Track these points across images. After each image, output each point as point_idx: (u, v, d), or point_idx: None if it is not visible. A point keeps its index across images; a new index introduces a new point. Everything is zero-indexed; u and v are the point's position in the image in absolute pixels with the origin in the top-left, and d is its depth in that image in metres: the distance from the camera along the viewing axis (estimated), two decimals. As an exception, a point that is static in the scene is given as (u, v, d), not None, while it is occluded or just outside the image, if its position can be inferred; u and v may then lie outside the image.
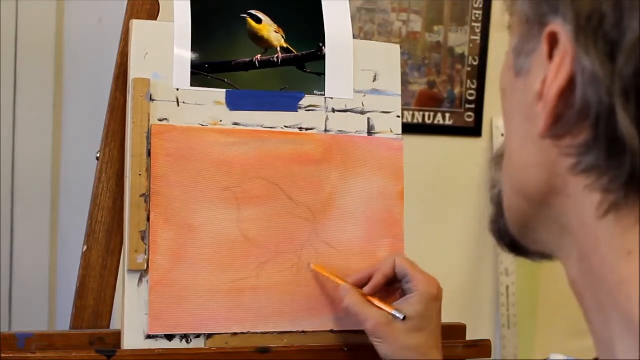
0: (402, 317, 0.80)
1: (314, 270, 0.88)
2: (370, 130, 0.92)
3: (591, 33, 0.41)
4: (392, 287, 0.87)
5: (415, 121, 1.69)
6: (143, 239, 0.82)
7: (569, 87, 0.43)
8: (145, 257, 0.82)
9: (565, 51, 0.43)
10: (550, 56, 0.44)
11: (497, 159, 0.52)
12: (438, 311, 0.83)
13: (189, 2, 0.88)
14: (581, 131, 0.43)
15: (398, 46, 0.97)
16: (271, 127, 0.89)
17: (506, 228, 0.52)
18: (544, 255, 0.52)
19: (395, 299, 0.85)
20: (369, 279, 0.86)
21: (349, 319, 0.88)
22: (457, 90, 1.71)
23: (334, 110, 0.91)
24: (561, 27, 0.43)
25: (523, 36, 0.47)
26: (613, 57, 0.40)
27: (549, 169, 0.46)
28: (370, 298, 0.84)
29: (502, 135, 1.74)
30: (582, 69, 0.42)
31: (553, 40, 0.44)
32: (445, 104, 1.71)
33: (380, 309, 0.82)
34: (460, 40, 1.70)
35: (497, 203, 0.53)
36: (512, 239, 0.53)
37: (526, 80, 0.47)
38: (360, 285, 0.86)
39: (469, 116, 1.73)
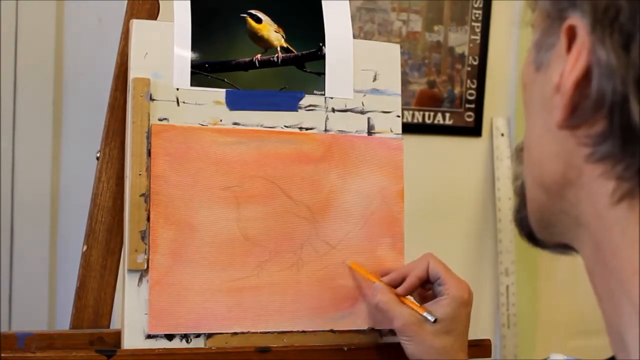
0: (432, 320, 0.81)
1: (349, 267, 0.89)
2: (370, 130, 0.92)
3: (607, 25, 0.43)
4: (424, 288, 0.88)
5: (415, 121, 1.69)
6: (143, 238, 0.82)
7: (586, 78, 0.44)
8: (145, 256, 0.82)
9: (582, 43, 0.44)
10: (569, 49, 0.45)
11: (519, 153, 0.54)
12: (467, 315, 0.84)
13: (189, 2, 0.88)
14: (597, 121, 0.44)
15: (398, 46, 0.97)
16: (271, 127, 0.89)
17: (527, 219, 0.54)
18: (561, 248, 0.53)
19: (425, 300, 0.87)
20: (402, 279, 0.87)
21: (349, 318, 0.88)
22: (457, 90, 1.71)
23: (333, 110, 0.91)
24: (579, 21, 0.44)
25: (544, 31, 0.49)
26: (628, 48, 0.42)
27: (566, 159, 0.47)
28: (402, 298, 0.85)
29: (502, 135, 1.74)
30: (598, 60, 0.43)
31: (571, 34, 0.45)
32: (445, 104, 1.71)
33: (412, 309, 0.83)
34: (460, 40, 1.70)
35: (520, 194, 0.54)
36: (531, 230, 0.54)
37: (546, 73, 0.48)
38: (394, 285, 0.87)
39: (469, 116, 1.73)
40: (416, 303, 0.85)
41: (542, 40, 0.49)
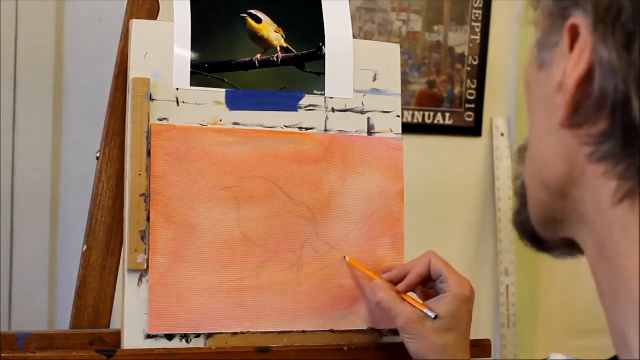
0: (433, 316, 0.81)
1: (348, 264, 0.89)
2: (370, 130, 0.92)
3: (609, 24, 0.43)
4: (426, 286, 0.88)
5: (415, 121, 1.69)
6: (143, 238, 0.82)
7: (588, 77, 0.44)
8: (145, 256, 0.82)
9: (585, 43, 0.44)
10: (572, 48, 0.45)
11: (521, 153, 0.54)
12: (469, 313, 0.84)
13: (189, 2, 0.88)
14: (599, 120, 0.44)
15: (398, 46, 0.97)
16: (271, 127, 0.89)
17: (528, 221, 0.54)
18: (564, 249, 0.53)
19: (427, 298, 0.86)
20: (403, 276, 0.87)
21: (349, 318, 0.88)
22: (457, 90, 1.71)
23: (333, 110, 0.91)
24: (582, 20, 0.44)
25: (546, 30, 0.49)
26: (629, 47, 0.42)
27: (568, 158, 0.47)
28: (403, 295, 0.85)
29: (502, 135, 1.74)
30: (600, 59, 0.43)
31: (574, 33, 0.45)
32: (445, 104, 1.71)
33: (413, 306, 0.83)
34: (460, 40, 1.70)
35: (521, 195, 0.54)
36: (533, 232, 0.54)
37: (548, 72, 0.48)
38: (394, 282, 0.87)
39: (469, 116, 1.73)
40: (416, 300, 0.85)
41: (544, 39, 0.49)
